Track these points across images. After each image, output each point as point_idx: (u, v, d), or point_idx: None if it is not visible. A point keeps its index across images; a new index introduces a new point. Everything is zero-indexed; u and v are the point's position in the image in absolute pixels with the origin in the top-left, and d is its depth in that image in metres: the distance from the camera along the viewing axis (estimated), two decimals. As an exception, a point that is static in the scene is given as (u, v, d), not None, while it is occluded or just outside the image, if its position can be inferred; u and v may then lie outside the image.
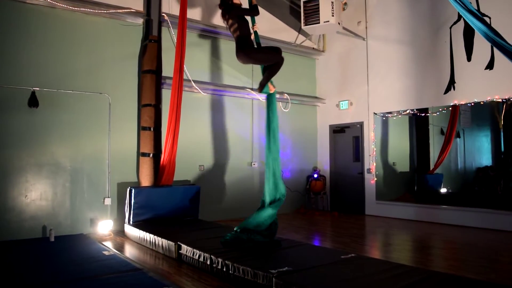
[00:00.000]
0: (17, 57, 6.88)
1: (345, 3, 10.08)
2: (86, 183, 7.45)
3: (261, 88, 5.92)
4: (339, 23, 9.09)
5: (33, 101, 6.88)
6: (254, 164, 9.81)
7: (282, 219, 9.14)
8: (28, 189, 6.87)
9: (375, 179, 9.70)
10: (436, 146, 9.49)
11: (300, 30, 10.00)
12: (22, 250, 5.93)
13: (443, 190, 9.50)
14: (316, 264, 4.46)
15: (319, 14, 8.93)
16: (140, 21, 8.15)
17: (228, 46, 9.43)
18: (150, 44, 7.97)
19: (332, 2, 8.86)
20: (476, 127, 9.02)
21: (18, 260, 5.35)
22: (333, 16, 8.83)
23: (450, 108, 8.58)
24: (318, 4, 8.95)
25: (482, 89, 7.77)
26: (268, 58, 5.93)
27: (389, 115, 9.66)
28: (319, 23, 8.95)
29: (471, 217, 7.93)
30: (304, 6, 9.19)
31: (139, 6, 8.12)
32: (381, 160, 9.87)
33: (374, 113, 9.77)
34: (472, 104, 8.09)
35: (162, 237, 6.03)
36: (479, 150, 9.11)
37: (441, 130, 9.29)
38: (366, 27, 9.99)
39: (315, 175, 10.56)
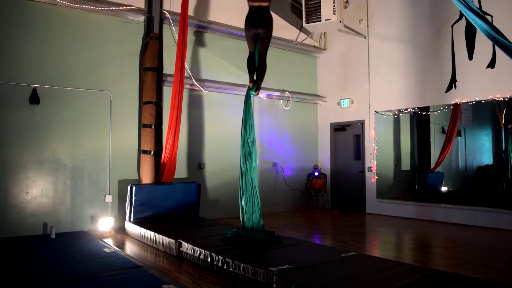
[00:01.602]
0: (18, 54, 6.88)
1: (347, 1, 10.06)
2: (87, 180, 7.45)
3: (259, 89, 6.09)
4: (340, 21, 9.07)
5: (34, 98, 6.89)
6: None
7: (282, 217, 9.17)
8: (29, 186, 6.88)
9: (376, 177, 9.70)
10: (437, 145, 9.48)
11: (301, 28, 9.99)
12: (23, 247, 5.94)
13: (444, 188, 9.50)
14: (317, 262, 4.46)
15: (320, 12, 8.92)
16: (142, 18, 8.14)
17: (229, 44, 9.42)
18: (151, 42, 7.96)
19: (334, 0, 8.84)
20: (477, 126, 9.01)
21: (18, 257, 5.36)
22: (334, 14, 8.81)
23: (451, 107, 8.57)
24: (320, 2, 8.94)
25: (483, 87, 7.76)
26: (267, 49, 6.25)
27: (390, 113, 9.65)
28: (320, 21, 8.93)
29: (471, 216, 7.93)
30: (305, 4, 9.17)
31: (141, 3, 8.11)
32: (382, 159, 9.85)
33: (375, 111, 9.76)
34: (473, 102, 8.09)
35: (162, 234, 6.03)
36: (480, 149, 9.11)
37: (442, 129, 9.28)
38: (367, 25, 9.97)
39: (316, 173, 10.56)
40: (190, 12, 8.18)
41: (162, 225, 6.77)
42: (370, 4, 9.93)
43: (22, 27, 6.94)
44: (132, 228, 7.02)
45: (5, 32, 6.78)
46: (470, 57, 5.32)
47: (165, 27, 8.41)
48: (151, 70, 7.90)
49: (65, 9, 7.33)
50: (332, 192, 10.75)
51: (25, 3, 6.97)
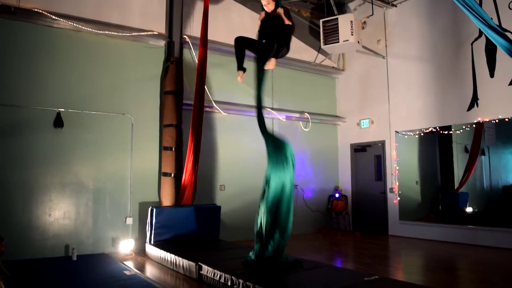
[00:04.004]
0: (44, 79, 7.10)
1: (364, 22, 10.11)
2: (108, 203, 7.53)
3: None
4: (358, 42, 9.11)
5: (58, 122, 7.06)
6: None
7: (303, 240, 9.05)
8: (52, 208, 6.98)
9: (398, 198, 9.53)
10: (461, 164, 9.30)
11: (319, 50, 10.04)
12: (45, 269, 5.99)
13: (469, 209, 9.26)
14: (339, 286, 4.37)
15: (338, 33, 8.98)
16: (162, 43, 8.33)
17: (248, 66, 9.49)
18: (172, 66, 8.11)
19: (351, 21, 8.90)
20: (501, 144, 8.82)
21: (40, 279, 5.41)
22: (352, 35, 8.86)
23: (474, 125, 8.42)
24: (337, 24, 9.01)
25: (506, 105, 7.60)
26: None
27: (411, 133, 9.53)
28: (338, 42, 8.99)
29: (498, 237, 7.68)
30: (323, 26, 9.25)
31: (161, 28, 8.32)
32: (404, 179, 9.69)
33: (396, 131, 9.67)
34: (497, 120, 7.93)
35: (183, 257, 6.01)
36: (505, 167, 8.89)
37: (465, 148, 9.11)
38: (385, 45, 9.97)
39: (337, 195, 10.44)
40: (210, 35, 8.31)
41: (182, 248, 6.76)
42: (388, 24, 9.95)
43: (47, 53, 7.17)
44: (153, 251, 7.02)
45: (32, 58, 7.02)
46: (492, 75, 5.28)
47: (185, 51, 8.57)
48: (172, 94, 8.02)
49: (88, 35, 7.56)
50: (354, 213, 10.59)
51: (51, 30, 7.22)
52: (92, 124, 7.48)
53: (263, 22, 5.85)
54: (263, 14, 5.85)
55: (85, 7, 7.54)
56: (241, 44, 5.94)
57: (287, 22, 5.66)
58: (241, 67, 5.96)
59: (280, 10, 5.70)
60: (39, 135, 6.96)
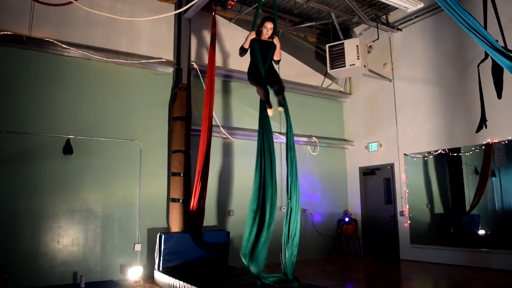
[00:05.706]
0: (54, 106, 7.21)
1: (370, 46, 10.20)
2: (116, 229, 7.51)
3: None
4: (364, 66, 9.18)
5: (68, 149, 7.13)
6: (283, 209, 9.68)
7: (313, 265, 8.93)
8: (60, 234, 6.97)
9: (409, 221, 9.40)
10: (471, 186, 9.18)
11: (326, 74, 10.14)
12: (53, 297, 5.95)
13: (481, 231, 9.10)
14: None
15: (344, 57, 9.07)
16: (170, 70, 8.44)
17: (255, 92, 9.57)
18: (180, 92, 8.20)
19: (357, 46, 8.99)
20: (512, 165, 8.73)
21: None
22: (358, 59, 8.94)
23: (483, 147, 8.36)
24: (343, 48, 9.12)
25: (515, 126, 7.57)
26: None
27: (420, 156, 9.48)
28: (345, 66, 9.08)
29: (513, 261, 7.53)
30: (329, 50, 9.35)
31: (169, 55, 8.45)
32: (414, 202, 9.57)
33: (405, 154, 9.62)
34: (506, 142, 7.87)
35: (192, 284, 5.94)
36: (517, 189, 8.76)
37: (475, 170, 9.02)
38: (392, 69, 10.02)
39: (346, 219, 10.32)
40: (217, 62, 8.43)
41: (191, 275, 6.68)
42: (394, 47, 10.02)
43: (58, 81, 7.31)
44: (161, 278, 6.95)
45: (42, 86, 7.16)
46: (499, 96, 5.27)
47: (193, 77, 8.67)
48: (180, 120, 8.08)
49: (98, 63, 7.70)
50: (364, 238, 10.43)
51: (61, 58, 7.38)
52: (101, 150, 7.53)
53: (254, 43, 5.99)
54: (253, 34, 6.00)
55: (94, 36, 7.71)
56: (258, 81, 6.13)
57: (279, 55, 6.18)
58: (269, 103, 6.27)
59: (277, 41, 5.99)
60: (48, 162, 7.02)
